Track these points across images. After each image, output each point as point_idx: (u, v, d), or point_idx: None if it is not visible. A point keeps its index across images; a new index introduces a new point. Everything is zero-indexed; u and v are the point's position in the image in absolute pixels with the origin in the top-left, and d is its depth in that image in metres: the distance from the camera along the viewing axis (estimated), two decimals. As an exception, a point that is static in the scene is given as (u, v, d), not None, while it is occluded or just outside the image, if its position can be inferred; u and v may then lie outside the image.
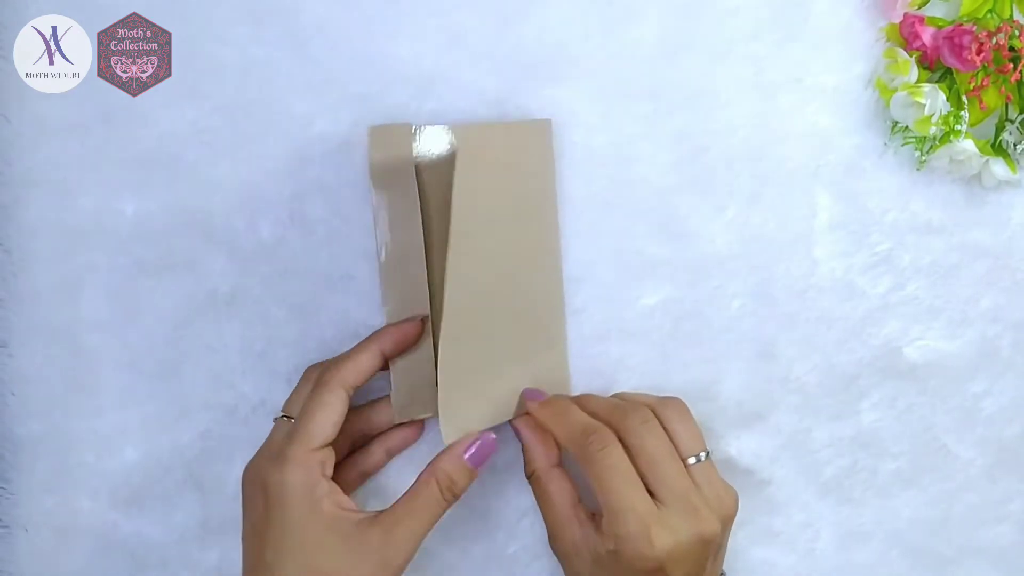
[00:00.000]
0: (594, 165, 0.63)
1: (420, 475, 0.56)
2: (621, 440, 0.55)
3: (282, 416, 0.59)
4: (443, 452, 0.56)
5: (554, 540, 0.58)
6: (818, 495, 0.65)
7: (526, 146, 0.61)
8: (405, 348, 0.59)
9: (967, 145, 0.61)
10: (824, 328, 0.64)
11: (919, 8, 0.63)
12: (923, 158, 0.63)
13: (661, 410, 0.57)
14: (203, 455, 0.64)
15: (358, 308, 0.63)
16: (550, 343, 0.63)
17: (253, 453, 0.62)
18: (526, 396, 0.61)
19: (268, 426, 0.62)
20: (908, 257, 0.64)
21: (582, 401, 0.60)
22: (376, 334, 0.59)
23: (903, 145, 0.63)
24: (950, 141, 0.61)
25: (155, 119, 0.63)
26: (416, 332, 0.59)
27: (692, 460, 0.56)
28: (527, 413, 0.60)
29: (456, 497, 0.56)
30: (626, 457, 0.55)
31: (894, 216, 0.64)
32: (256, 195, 0.63)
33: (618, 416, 0.56)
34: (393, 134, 0.60)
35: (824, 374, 0.64)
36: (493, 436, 0.57)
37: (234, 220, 0.63)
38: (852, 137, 0.64)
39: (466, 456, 0.56)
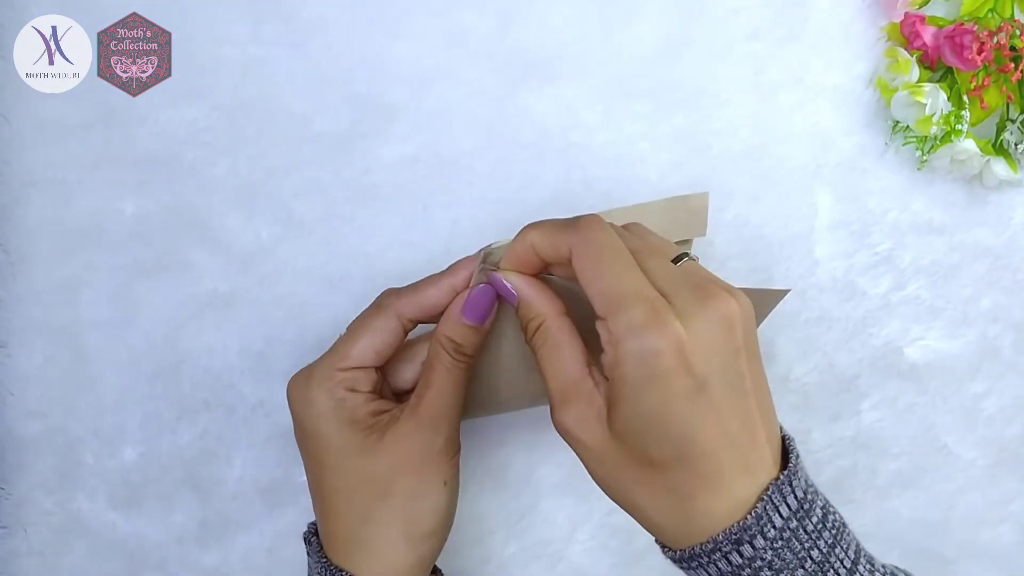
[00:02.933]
0: (594, 165, 0.63)
1: (428, 348, 0.52)
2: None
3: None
4: (442, 319, 0.51)
5: (563, 406, 0.46)
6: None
7: (681, 221, 0.55)
8: (472, 286, 0.51)
9: (968, 145, 0.61)
10: (824, 328, 0.64)
11: (920, 7, 0.63)
12: (924, 158, 0.62)
13: (629, 229, 0.49)
14: (202, 455, 0.63)
15: (356, 309, 0.63)
16: None
17: (253, 453, 0.63)
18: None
19: (268, 426, 0.63)
20: (909, 257, 0.64)
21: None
22: (453, 269, 0.52)
23: (904, 145, 0.63)
24: (951, 141, 0.61)
25: (155, 119, 0.63)
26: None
27: (679, 260, 0.47)
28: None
29: (469, 356, 0.51)
30: (618, 238, 0.46)
31: (895, 216, 0.64)
32: (255, 195, 0.63)
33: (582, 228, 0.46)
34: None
35: (824, 374, 0.64)
36: (484, 284, 0.50)
37: (233, 220, 0.63)
38: (853, 137, 0.64)
39: (462, 315, 0.50)
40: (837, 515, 0.45)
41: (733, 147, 0.64)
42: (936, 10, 0.63)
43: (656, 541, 0.48)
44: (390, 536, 0.51)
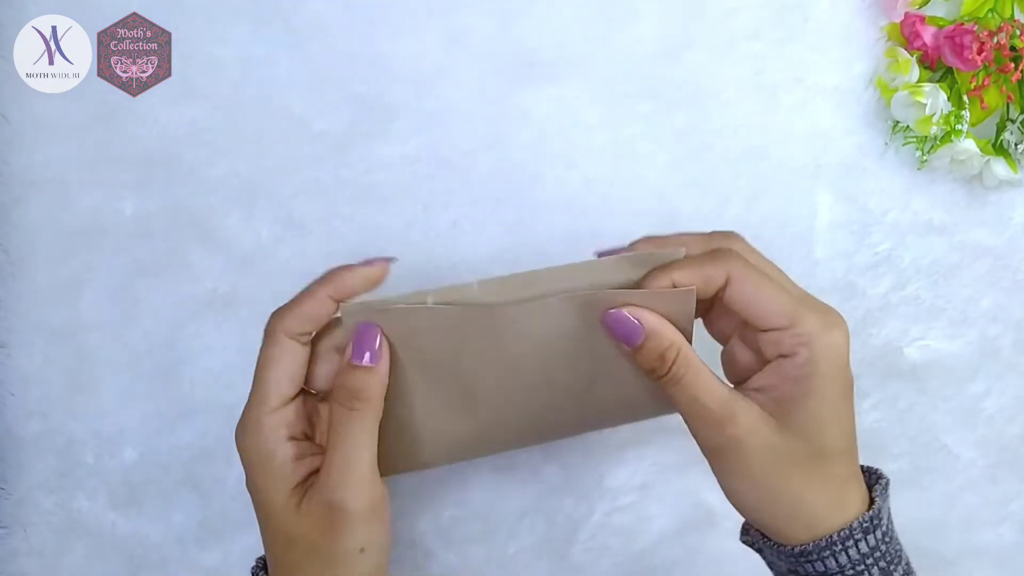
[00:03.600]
0: (594, 165, 0.63)
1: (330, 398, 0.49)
2: None
3: None
4: (346, 361, 0.49)
5: (731, 420, 0.47)
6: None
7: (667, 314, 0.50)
8: (355, 293, 0.50)
9: (968, 145, 0.61)
10: (824, 328, 0.64)
11: (920, 7, 0.63)
12: (924, 158, 0.62)
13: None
14: (202, 455, 0.63)
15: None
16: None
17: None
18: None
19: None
20: (909, 257, 0.64)
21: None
22: (329, 276, 0.50)
23: (904, 145, 0.63)
24: (951, 141, 0.61)
25: (155, 119, 0.63)
26: (377, 276, 0.50)
27: None
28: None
29: (371, 402, 0.48)
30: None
31: (895, 216, 0.64)
32: (255, 195, 0.63)
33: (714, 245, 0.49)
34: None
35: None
36: (365, 323, 0.48)
37: (233, 220, 0.63)
38: (853, 136, 0.64)
39: (349, 360, 0.48)
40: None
41: (733, 147, 0.64)
42: (936, 10, 0.63)
43: (766, 547, 0.51)
44: None
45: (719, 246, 0.49)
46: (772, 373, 0.48)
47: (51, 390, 0.63)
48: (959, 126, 0.60)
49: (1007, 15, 0.61)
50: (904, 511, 0.65)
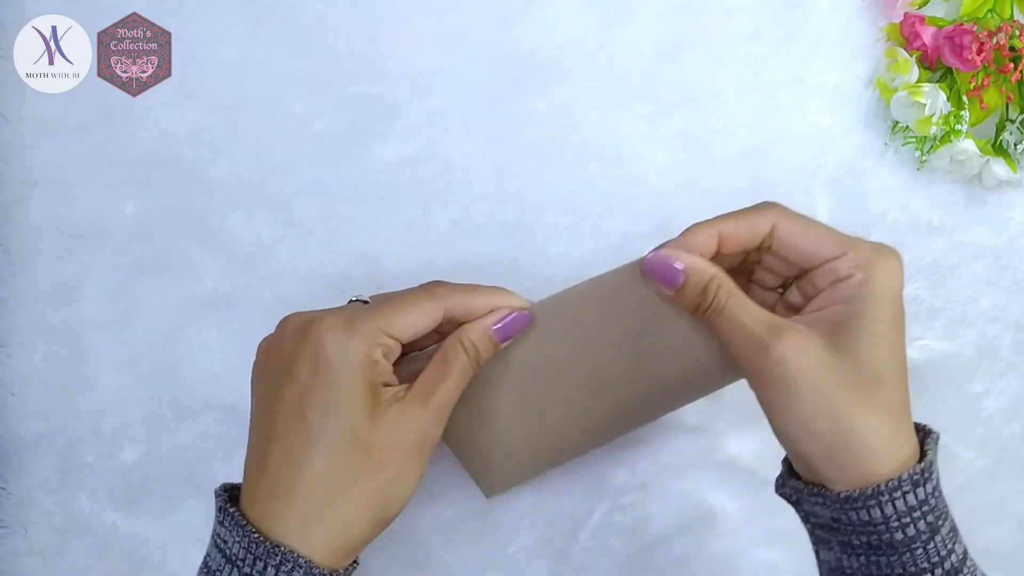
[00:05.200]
0: (594, 165, 0.63)
1: (446, 343, 0.51)
2: None
3: (356, 299, 0.52)
4: (470, 323, 0.51)
5: (777, 339, 0.47)
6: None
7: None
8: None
9: (968, 145, 0.61)
10: (824, 328, 0.64)
11: (919, 8, 0.63)
12: (923, 158, 0.63)
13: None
14: (202, 455, 0.63)
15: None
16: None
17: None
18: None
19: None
20: (908, 257, 0.64)
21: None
22: (500, 291, 0.52)
23: (903, 145, 0.63)
24: (950, 141, 0.61)
25: (155, 119, 0.63)
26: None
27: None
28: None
29: (479, 367, 0.52)
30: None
31: (894, 216, 0.64)
32: (256, 195, 0.63)
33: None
34: None
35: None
36: (528, 313, 0.52)
37: (233, 220, 0.63)
38: (852, 137, 0.64)
39: (495, 327, 0.51)
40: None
41: (732, 147, 0.64)
42: (935, 10, 0.63)
43: (806, 495, 0.49)
44: (359, 512, 0.49)
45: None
46: (826, 297, 0.48)
47: (51, 390, 0.63)
48: (958, 126, 0.61)
49: (1006, 15, 0.61)
50: (904, 511, 0.65)
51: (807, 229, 0.49)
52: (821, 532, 0.49)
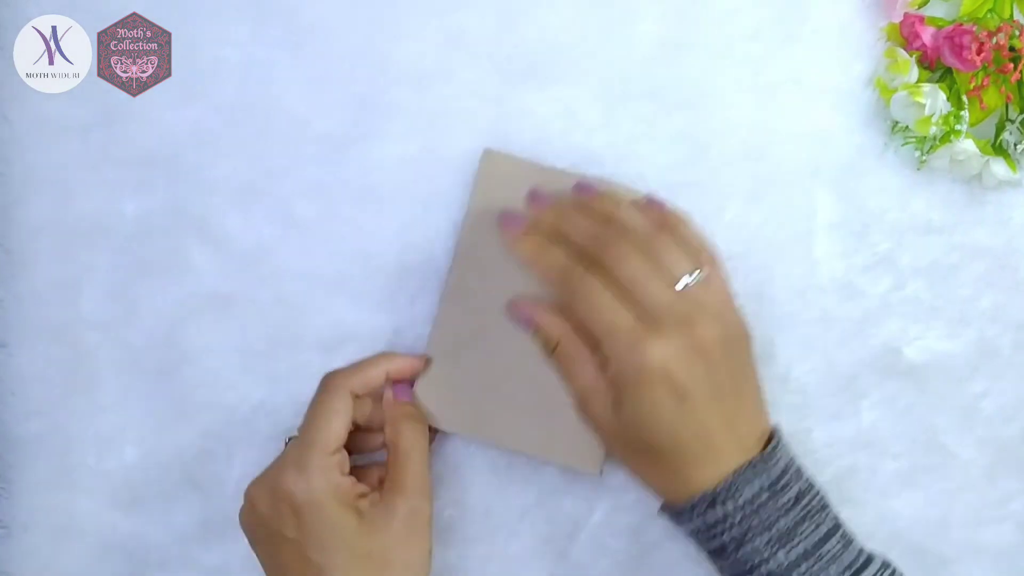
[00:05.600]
0: (594, 165, 0.63)
1: (387, 436, 0.59)
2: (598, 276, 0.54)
3: (289, 439, 0.59)
4: (387, 405, 0.60)
5: (586, 403, 0.55)
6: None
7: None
8: (405, 379, 0.61)
9: (967, 145, 0.61)
10: (824, 328, 0.64)
11: (919, 8, 0.63)
12: (923, 158, 0.62)
13: (650, 240, 0.55)
14: (203, 455, 0.64)
15: (356, 309, 0.63)
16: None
17: (253, 453, 0.62)
18: (501, 220, 0.58)
19: (268, 426, 0.63)
20: (908, 257, 0.64)
21: (565, 228, 0.57)
22: (386, 355, 0.61)
23: (903, 145, 0.63)
24: (950, 141, 0.61)
25: (155, 119, 0.63)
26: (419, 369, 0.61)
27: (684, 280, 0.54)
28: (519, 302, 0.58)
29: (423, 424, 0.60)
30: (605, 284, 0.54)
31: (894, 216, 0.64)
32: (256, 195, 0.63)
33: (598, 248, 0.55)
34: (506, 164, 0.62)
35: (824, 374, 0.64)
36: (415, 365, 0.61)
37: (234, 220, 0.63)
38: (852, 137, 0.64)
39: (397, 396, 0.60)
40: (816, 499, 0.55)
41: (732, 147, 0.64)
42: (935, 10, 0.63)
43: (660, 507, 0.57)
44: None
45: (599, 253, 0.55)
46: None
47: (51, 390, 0.63)
48: (958, 126, 0.60)
49: (1006, 15, 0.61)
50: (903, 511, 0.65)
51: (580, 313, 0.55)
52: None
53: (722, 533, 0.53)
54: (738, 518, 0.53)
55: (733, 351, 0.55)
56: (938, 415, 0.65)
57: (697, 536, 0.55)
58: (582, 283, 0.54)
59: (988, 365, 0.65)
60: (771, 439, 0.56)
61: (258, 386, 0.63)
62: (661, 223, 0.56)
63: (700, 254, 0.56)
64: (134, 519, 0.64)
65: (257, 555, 0.57)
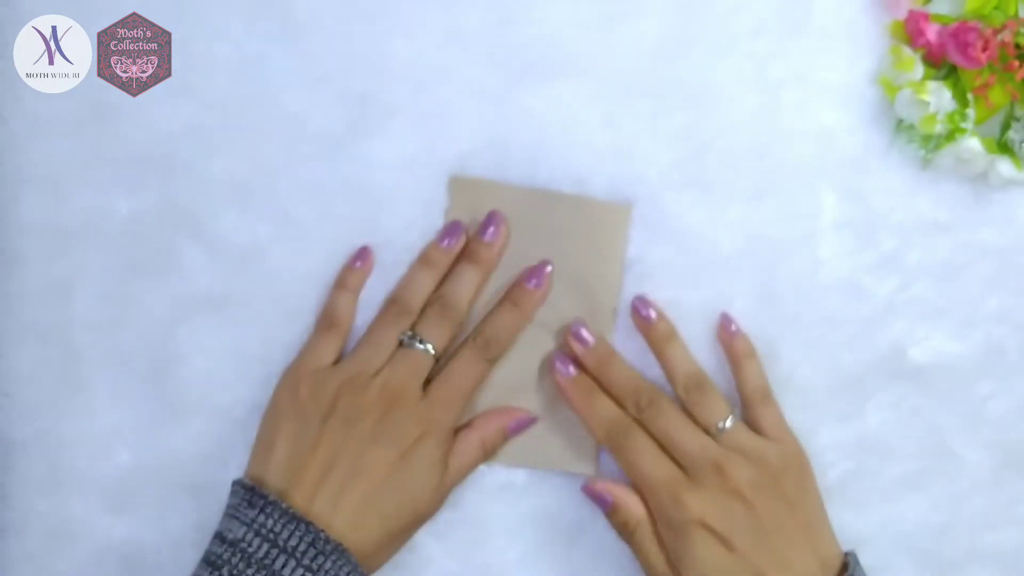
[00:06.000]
0: (595, 164, 0.63)
1: (469, 433, 0.61)
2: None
3: (419, 341, 0.60)
4: (493, 415, 0.62)
5: None
6: (823, 498, 0.64)
7: (599, 226, 0.63)
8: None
9: (973, 144, 0.60)
10: (828, 328, 0.63)
11: (924, 5, 0.62)
12: (927, 157, 0.62)
13: (689, 389, 0.60)
14: (197, 458, 0.63)
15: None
16: None
17: (248, 456, 0.62)
18: (556, 358, 0.61)
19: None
20: (914, 257, 0.64)
21: (607, 377, 0.61)
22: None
23: (907, 143, 0.63)
24: (955, 139, 0.60)
25: (155, 119, 0.63)
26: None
27: (719, 426, 0.59)
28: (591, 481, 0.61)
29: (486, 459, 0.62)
30: (649, 439, 0.59)
31: (900, 215, 0.64)
32: (251, 194, 0.63)
33: (631, 404, 0.60)
34: (474, 188, 0.62)
35: (828, 375, 0.63)
36: (533, 416, 0.62)
37: (229, 219, 0.63)
38: (857, 135, 0.63)
39: (508, 429, 0.62)
40: None
41: (735, 146, 0.63)
42: (941, 8, 0.62)
43: None
44: (393, 509, 0.58)
45: (636, 411, 0.60)
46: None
47: (43, 391, 0.63)
48: (963, 124, 0.60)
49: (1012, 12, 0.60)
50: (909, 514, 0.64)
51: (624, 465, 0.60)
52: None
53: None
54: None
55: (775, 488, 0.58)
56: (944, 417, 0.64)
57: None
58: (627, 438, 0.59)
59: (995, 366, 0.64)
60: (844, 569, 0.57)
61: (253, 388, 0.63)
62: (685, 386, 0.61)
63: (720, 406, 0.60)
64: (128, 522, 0.63)
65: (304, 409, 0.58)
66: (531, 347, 0.63)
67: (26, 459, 0.63)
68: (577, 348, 0.61)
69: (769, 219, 0.63)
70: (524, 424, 0.62)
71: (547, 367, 0.62)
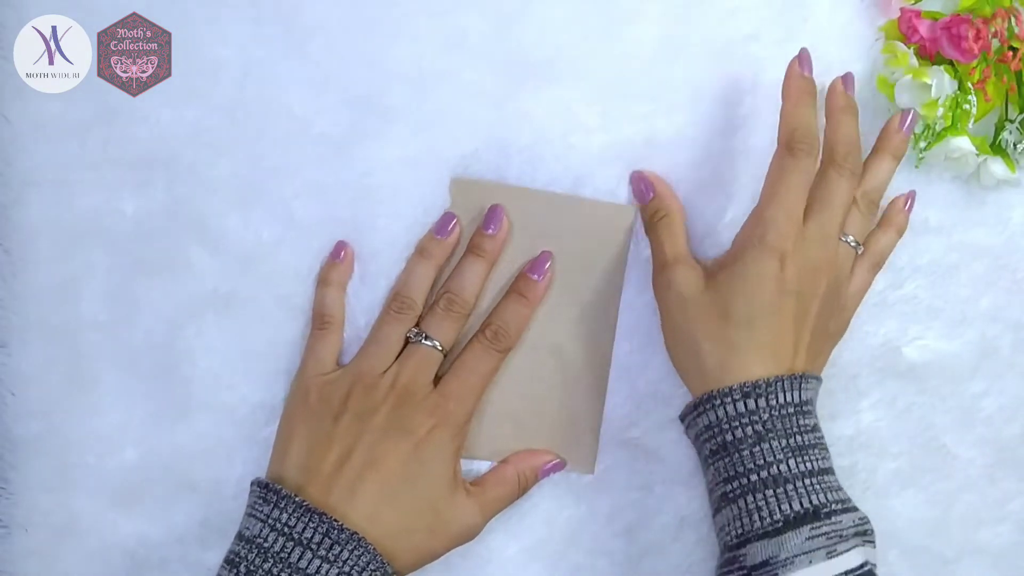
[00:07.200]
0: (594, 166, 0.63)
1: (505, 466, 0.62)
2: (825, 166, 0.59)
3: (425, 337, 0.60)
4: (529, 454, 0.63)
5: (675, 266, 0.60)
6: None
7: (603, 226, 0.63)
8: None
9: (962, 142, 0.60)
10: (823, 328, 0.64)
11: (915, 3, 0.62)
12: (920, 156, 0.62)
13: (868, 194, 0.61)
14: (203, 455, 0.63)
15: (357, 309, 0.63)
16: (584, 408, 0.64)
17: (254, 453, 0.62)
18: (799, 56, 0.60)
19: (267, 427, 0.62)
20: (907, 256, 0.64)
21: (837, 121, 0.60)
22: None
23: (904, 140, 0.63)
24: (956, 132, 0.60)
25: (155, 119, 0.63)
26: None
27: (846, 239, 0.60)
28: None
29: (524, 491, 0.63)
30: (809, 179, 0.58)
31: (893, 215, 0.64)
32: (256, 196, 0.63)
33: (841, 152, 0.59)
34: (476, 189, 0.62)
35: (823, 373, 0.64)
36: (566, 463, 0.64)
37: (233, 220, 0.63)
38: (852, 137, 0.64)
39: (544, 468, 0.63)
40: (823, 440, 0.57)
41: (733, 147, 0.64)
42: (933, 4, 0.62)
43: (684, 416, 0.59)
44: (415, 508, 0.58)
45: (835, 153, 0.59)
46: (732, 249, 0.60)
47: (51, 390, 0.63)
48: (965, 106, 0.60)
49: (1005, 4, 0.60)
50: (903, 511, 0.65)
51: (767, 185, 0.59)
52: (698, 453, 0.58)
53: (745, 426, 0.54)
54: (766, 416, 0.54)
55: (828, 311, 0.59)
56: (938, 415, 0.65)
57: (712, 429, 0.56)
58: (797, 159, 0.57)
59: (988, 365, 0.65)
60: (813, 377, 0.58)
61: (258, 386, 0.63)
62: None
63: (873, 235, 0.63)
64: (134, 519, 0.63)
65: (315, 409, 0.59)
66: (534, 341, 0.63)
67: (33, 456, 0.63)
68: (839, 84, 0.61)
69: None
70: (559, 467, 0.63)
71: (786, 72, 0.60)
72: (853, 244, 0.60)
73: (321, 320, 0.62)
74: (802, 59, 0.59)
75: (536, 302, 0.62)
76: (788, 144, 0.57)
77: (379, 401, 0.58)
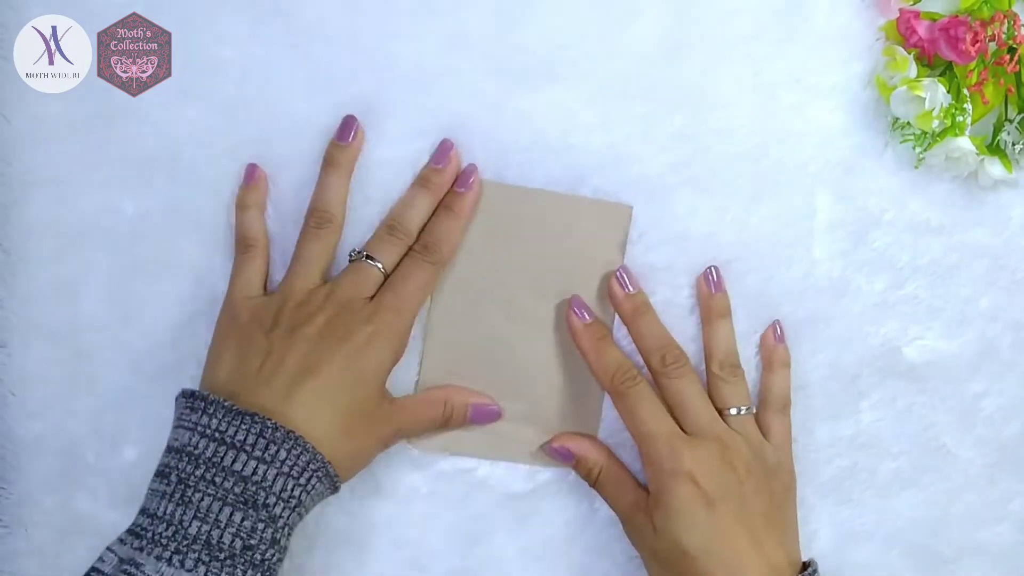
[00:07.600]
0: (593, 166, 0.63)
1: (436, 391, 0.62)
2: (656, 378, 0.61)
3: (366, 257, 0.60)
4: (465, 390, 0.63)
5: (629, 523, 0.60)
6: (818, 495, 0.65)
7: (599, 225, 0.63)
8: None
9: (962, 142, 0.60)
10: (823, 328, 0.64)
11: (914, 3, 0.62)
12: (921, 156, 0.62)
13: (717, 370, 0.62)
14: (203, 455, 0.63)
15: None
16: (583, 406, 0.64)
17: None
18: (572, 304, 0.62)
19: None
20: (907, 256, 0.64)
21: (639, 325, 0.62)
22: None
23: (902, 142, 0.63)
24: (954, 134, 0.60)
25: (155, 119, 0.63)
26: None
27: (732, 411, 0.60)
28: (562, 436, 0.63)
29: (445, 425, 0.62)
30: (653, 393, 0.60)
31: (893, 216, 0.64)
32: (256, 196, 0.63)
33: (657, 357, 0.60)
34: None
35: (823, 374, 0.64)
36: (500, 411, 0.63)
37: (234, 220, 0.63)
38: (851, 137, 0.64)
39: (472, 407, 0.62)
40: None
41: (732, 148, 0.64)
42: (933, 6, 0.62)
43: None
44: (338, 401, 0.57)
45: (657, 365, 0.61)
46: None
47: (51, 390, 0.63)
48: (959, 118, 0.60)
49: (1003, 7, 0.60)
50: (903, 510, 0.65)
51: (626, 419, 0.60)
52: None
53: None
54: None
55: (764, 480, 0.59)
56: (938, 415, 0.65)
57: None
58: (632, 387, 0.59)
59: (988, 365, 0.65)
60: (806, 567, 0.58)
61: (257, 386, 0.63)
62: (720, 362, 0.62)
63: (747, 396, 0.62)
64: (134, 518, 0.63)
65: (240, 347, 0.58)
66: (530, 342, 0.63)
67: (34, 456, 0.63)
68: (617, 292, 0.62)
69: (765, 220, 0.64)
70: (490, 414, 0.63)
71: (564, 314, 0.62)
72: (744, 412, 0.61)
73: (244, 244, 0.61)
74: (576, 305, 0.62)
75: (464, 215, 0.62)
76: (612, 384, 0.60)
77: (313, 312, 0.57)
